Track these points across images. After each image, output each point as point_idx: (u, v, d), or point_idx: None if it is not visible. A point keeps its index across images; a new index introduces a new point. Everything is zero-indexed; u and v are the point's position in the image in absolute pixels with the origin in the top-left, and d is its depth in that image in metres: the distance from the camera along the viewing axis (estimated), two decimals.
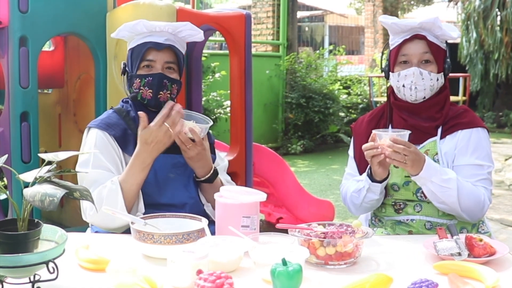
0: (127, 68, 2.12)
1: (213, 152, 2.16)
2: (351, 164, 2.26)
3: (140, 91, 2.06)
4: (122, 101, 2.19)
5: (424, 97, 2.09)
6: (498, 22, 11.07)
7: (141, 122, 1.96)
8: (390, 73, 2.14)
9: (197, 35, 2.16)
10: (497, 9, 10.99)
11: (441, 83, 2.12)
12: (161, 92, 2.06)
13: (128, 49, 2.12)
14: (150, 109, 2.08)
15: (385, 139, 1.91)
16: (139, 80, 2.06)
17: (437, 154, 2.07)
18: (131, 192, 1.93)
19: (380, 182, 2.04)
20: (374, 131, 1.96)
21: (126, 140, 2.06)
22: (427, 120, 2.10)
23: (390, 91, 2.18)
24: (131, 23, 2.07)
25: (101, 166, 1.99)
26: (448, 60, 2.12)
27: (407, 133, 1.95)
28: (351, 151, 2.28)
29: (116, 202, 1.89)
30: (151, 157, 1.95)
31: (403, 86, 2.09)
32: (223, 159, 2.27)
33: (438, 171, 1.95)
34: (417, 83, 2.06)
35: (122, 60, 2.18)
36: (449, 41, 2.16)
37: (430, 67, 2.08)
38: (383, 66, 2.21)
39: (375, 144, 1.93)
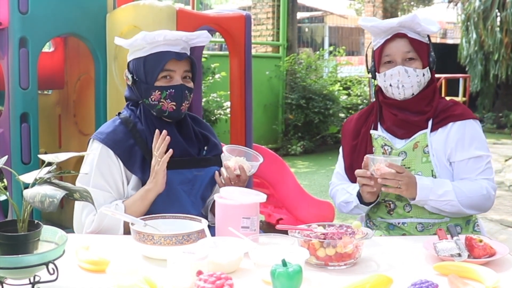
0: (136, 77, 2.03)
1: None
2: (341, 162, 2.29)
3: (160, 103, 2.00)
4: (128, 107, 2.12)
5: (413, 94, 2.11)
6: (498, 23, 11.08)
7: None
8: (377, 73, 2.15)
9: (207, 41, 2.14)
10: (497, 10, 10.99)
11: (427, 77, 2.12)
12: (183, 104, 2.02)
13: (138, 57, 2.03)
14: (165, 120, 2.05)
15: (378, 164, 1.94)
16: (159, 93, 2.00)
17: (427, 146, 2.08)
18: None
19: (368, 204, 2.09)
20: (366, 156, 1.99)
21: (132, 159, 2.00)
22: (417, 114, 2.12)
23: (378, 89, 2.20)
24: (151, 34, 1.98)
25: (100, 187, 1.96)
26: (433, 53, 2.13)
27: (399, 159, 1.99)
28: (341, 148, 2.31)
29: (117, 226, 1.93)
30: (152, 189, 1.94)
31: (390, 85, 2.10)
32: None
33: (432, 189, 1.99)
34: (403, 81, 2.07)
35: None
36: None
37: (415, 64, 2.09)
38: (369, 67, 2.22)
39: (367, 173, 1.97)
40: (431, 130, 2.10)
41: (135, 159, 2.00)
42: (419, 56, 2.09)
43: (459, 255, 1.59)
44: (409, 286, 1.36)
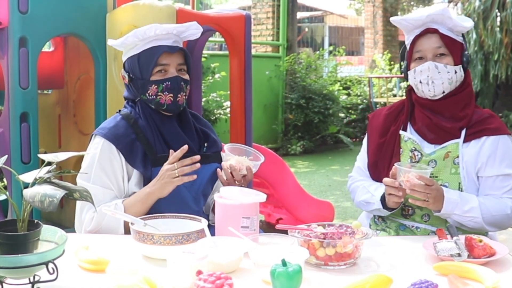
0: (132, 75, 2.06)
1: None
2: (363, 157, 2.23)
3: (158, 97, 2.02)
4: (129, 104, 2.13)
5: (443, 92, 2.04)
6: (498, 23, 11.07)
7: (169, 158, 1.95)
8: (408, 71, 2.10)
9: (198, 33, 2.15)
10: (497, 10, 10.98)
11: (460, 76, 2.05)
12: (179, 95, 2.04)
13: (132, 55, 2.05)
14: (165, 114, 2.06)
15: (407, 175, 1.86)
16: (156, 86, 2.01)
17: (458, 157, 2.02)
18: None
19: (391, 209, 2.04)
20: (395, 165, 1.92)
21: (134, 153, 2.00)
22: (451, 119, 2.05)
23: (410, 89, 2.14)
24: (142, 29, 2.00)
25: (101, 183, 1.96)
26: (467, 53, 2.06)
27: (429, 170, 1.91)
28: (365, 141, 2.24)
29: (117, 225, 1.93)
30: (155, 193, 1.94)
31: (420, 82, 2.04)
32: None
33: (458, 204, 1.94)
34: (433, 77, 2.01)
35: (122, 61, 2.16)
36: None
37: (446, 60, 2.03)
38: (402, 68, 2.16)
39: (395, 183, 1.90)
40: (464, 141, 2.03)
41: (137, 153, 2.01)
42: (451, 52, 2.03)
43: (459, 255, 1.59)
44: (409, 286, 1.36)
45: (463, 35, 2.09)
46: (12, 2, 3.05)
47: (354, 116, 9.65)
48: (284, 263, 1.37)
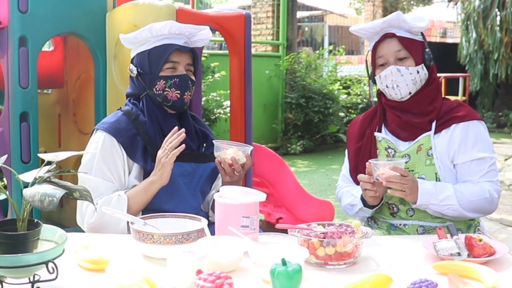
0: (140, 70, 2.09)
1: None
2: (346, 165, 2.29)
3: (165, 92, 2.05)
4: (130, 101, 2.16)
5: (410, 93, 2.09)
6: (498, 22, 11.08)
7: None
8: (375, 77, 2.15)
9: (207, 41, 2.19)
10: (496, 9, 10.99)
11: (424, 74, 2.10)
12: (185, 94, 2.07)
13: (142, 51, 2.09)
14: (169, 111, 2.09)
15: (382, 168, 1.91)
16: (164, 82, 2.05)
17: (431, 148, 2.07)
18: (133, 209, 1.94)
19: (372, 207, 2.08)
20: (369, 162, 1.97)
21: (134, 147, 2.03)
22: (420, 115, 2.10)
23: (380, 92, 2.20)
24: (157, 25, 2.05)
25: (102, 175, 1.98)
26: (428, 50, 2.11)
27: (403, 161, 1.97)
28: (346, 150, 2.31)
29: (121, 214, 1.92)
30: (156, 181, 1.95)
31: (387, 86, 2.10)
32: None
33: (433, 193, 1.97)
34: (397, 80, 2.07)
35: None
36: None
37: (407, 62, 2.08)
38: (369, 73, 2.22)
39: (370, 179, 1.96)
40: (435, 132, 2.08)
41: (137, 148, 2.03)
42: (411, 53, 2.08)
43: (459, 254, 1.59)
44: (409, 285, 1.36)
45: (422, 34, 2.14)
46: (12, 1, 3.05)
47: (354, 115, 9.64)
48: (284, 263, 1.37)
